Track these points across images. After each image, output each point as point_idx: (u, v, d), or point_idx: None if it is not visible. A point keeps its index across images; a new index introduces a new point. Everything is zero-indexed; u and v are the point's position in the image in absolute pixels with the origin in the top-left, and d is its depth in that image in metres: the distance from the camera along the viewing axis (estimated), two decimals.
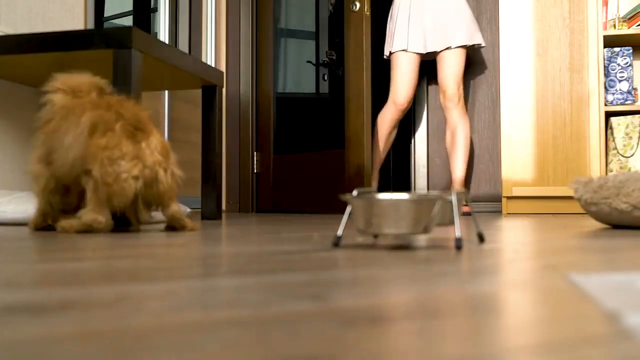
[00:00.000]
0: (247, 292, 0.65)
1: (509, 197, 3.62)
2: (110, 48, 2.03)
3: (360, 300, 0.60)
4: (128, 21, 3.82)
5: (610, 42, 3.68)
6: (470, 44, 3.58)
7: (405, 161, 4.70)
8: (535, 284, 0.72)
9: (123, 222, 1.78)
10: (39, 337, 0.44)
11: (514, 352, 0.40)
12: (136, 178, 1.66)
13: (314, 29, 4.15)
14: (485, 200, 4.01)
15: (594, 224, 2.20)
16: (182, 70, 2.41)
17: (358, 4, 3.61)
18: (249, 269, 0.85)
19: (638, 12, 3.61)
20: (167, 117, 3.80)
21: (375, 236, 1.39)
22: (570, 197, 3.53)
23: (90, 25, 3.07)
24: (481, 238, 1.31)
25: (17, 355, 0.39)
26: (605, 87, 3.59)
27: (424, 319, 0.51)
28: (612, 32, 3.55)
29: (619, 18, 3.62)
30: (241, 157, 4.25)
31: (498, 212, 3.93)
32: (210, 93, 2.74)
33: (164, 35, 3.83)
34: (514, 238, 1.50)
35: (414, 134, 4.15)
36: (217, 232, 1.77)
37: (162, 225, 1.95)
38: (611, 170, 3.53)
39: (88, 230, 1.65)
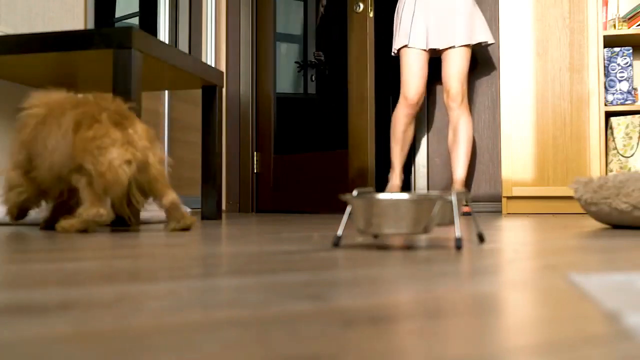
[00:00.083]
0: (247, 292, 0.65)
1: (509, 197, 3.62)
2: (110, 48, 2.03)
3: (360, 300, 0.60)
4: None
5: (610, 42, 3.68)
6: (473, 43, 3.57)
7: (405, 161, 4.69)
8: (535, 284, 0.72)
9: (123, 221, 1.78)
10: (39, 337, 0.44)
11: (514, 352, 0.40)
12: (129, 162, 1.66)
13: (300, 32, 4.21)
14: (485, 200, 4.01)
15: (594, 224, 2.20)
16: (182, 70, 2.41)
17: (362, 5, 3.61)
18: (249, 269, 0.85)
19: (638, 12, 3.61)
20: (167, 117, 3.80)
21: (375, 236, 1.39)
22: (570, 197, 3.53)
23: (90, 25, 3.07)
24: (481, 238, 1.31)
25: (17, 355, 0.39)
26: (605, 87, 3.59)
27: (424, 319, 0.51)
28: (612, 32, 3.55)
29: (619, 18, 3.62)
30: (241, 157, 4.25)
31: (498, 212, 3.93)
32: (210, 93, 2.74)
33: (164, 35, 3.83)
34: (514, 238, 1.50)
35: (414, 134, 4.15)
36: (217, 232, 1.77)
37: (162, 225, 1.95)
38: (611, 170, 3.53)
39: (90, 226, 1.65)
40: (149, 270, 0.83)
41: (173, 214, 1.74)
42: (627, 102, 3.55)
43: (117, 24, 3.70)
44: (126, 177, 1.65)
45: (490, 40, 3.61)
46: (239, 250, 1.14)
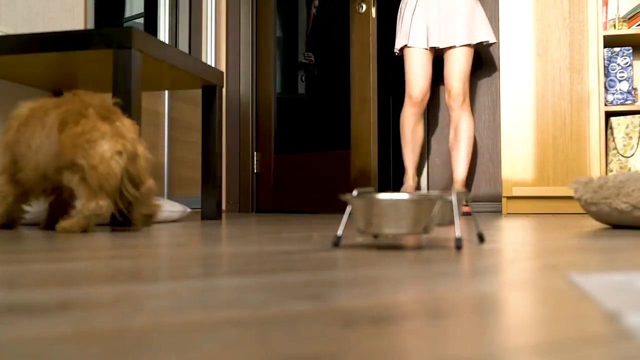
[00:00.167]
0: (247, 292, 0.65)
1: (509, 197, 3.62)
2: (110, 48, 2.03)
3: (360, 300, 0.60)
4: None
5: (610, 42, 3.68)
6: (474, 42, 3.56)
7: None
8: (535, 284, 0.72)
9: (122, 222, 1.78)
10: (39, 337, 0.44)
11: (514, 352, 0.40)
12: (120, 153, 1.66)
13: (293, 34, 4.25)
14: (485, 200, 4.01)
15: (594, 224, 2.20)
16: (182, 70, 2.41)
17: (364, 6, 3.62)
18: (249, 269, 0.85)
19: (638, 12, 3.61)
20: (167, 117, 3.79)
21: (375, 236, 1.39)
22: (570, 197, 3.53)
23: (91, 25, 3.07)
24: (481, 238, 1.31)
25: (17, 355, 0.39)
26: (605, 87, 3.59)
27: (424, 319, 0.51)
28: (612, 32, 3.54)
29: (619, 18, 3.62)
30: (241, 157, 4.25)
31: (498, 212, 3.93)
32: (210, 93, 2.74)
33: (164, 35, 3.83)
34: (514, 238, 1.50)
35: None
36: (217, 232, 1.77)
37: (161, 225, 1.95)
38: (611, 170, 3.53)
39: (92, 222, 1.64)
40: (149, 270, 0.83)
41: (145, 200, 1.77)
42: (627, 102, 3.55)
43: (125, 24, 3.71)
44: (119, 168, 1.66)
45: (492, 40, 3.60)
46: (239, 250, 1.14)
